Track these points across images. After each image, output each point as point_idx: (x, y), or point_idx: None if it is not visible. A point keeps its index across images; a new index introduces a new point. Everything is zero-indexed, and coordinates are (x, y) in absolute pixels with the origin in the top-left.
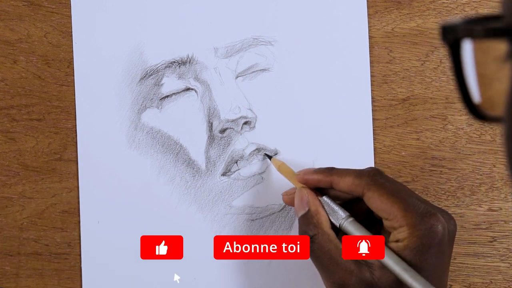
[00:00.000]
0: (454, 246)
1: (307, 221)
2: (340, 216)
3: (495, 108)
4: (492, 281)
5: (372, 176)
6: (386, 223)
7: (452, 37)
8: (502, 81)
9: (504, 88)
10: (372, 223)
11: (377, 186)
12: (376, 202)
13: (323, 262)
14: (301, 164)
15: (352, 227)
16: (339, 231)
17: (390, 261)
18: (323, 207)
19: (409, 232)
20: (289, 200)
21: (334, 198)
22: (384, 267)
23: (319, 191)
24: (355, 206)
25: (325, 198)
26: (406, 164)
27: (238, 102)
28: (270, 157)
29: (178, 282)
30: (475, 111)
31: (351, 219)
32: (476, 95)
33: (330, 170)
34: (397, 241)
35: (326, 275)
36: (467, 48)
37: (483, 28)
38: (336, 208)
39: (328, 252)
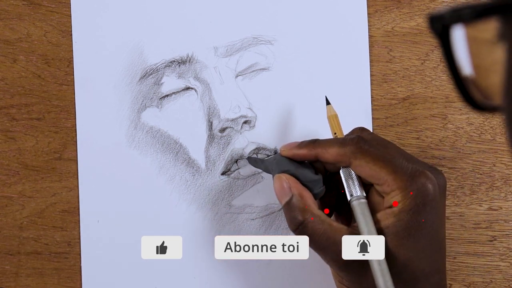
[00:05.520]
0: (454, 246)
1: (293, 207)
2: (355, 192)
3: (493, 98)
4: (492, 280)
5: (356, 143)
6: (377, 188)
7: (439, 25)
8: (498, 72)
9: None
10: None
11: (363, 153)
12: (365, 169)
13: (321, 245)
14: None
15: (359, 209)
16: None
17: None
18: (305, 189)
19: (402, 195)
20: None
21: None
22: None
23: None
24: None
25: (350, 169)
26: None
27: (238, 101)
28: (328, 102)
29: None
30: (473, 102)
31: (363, 200)
32: (472, 85)
33: (314, 143)
34: (390, 206)
35: (328, 257)
36: (458, 37)
37: (471, 10)
38: (357, 183)
39: (324, 233)
